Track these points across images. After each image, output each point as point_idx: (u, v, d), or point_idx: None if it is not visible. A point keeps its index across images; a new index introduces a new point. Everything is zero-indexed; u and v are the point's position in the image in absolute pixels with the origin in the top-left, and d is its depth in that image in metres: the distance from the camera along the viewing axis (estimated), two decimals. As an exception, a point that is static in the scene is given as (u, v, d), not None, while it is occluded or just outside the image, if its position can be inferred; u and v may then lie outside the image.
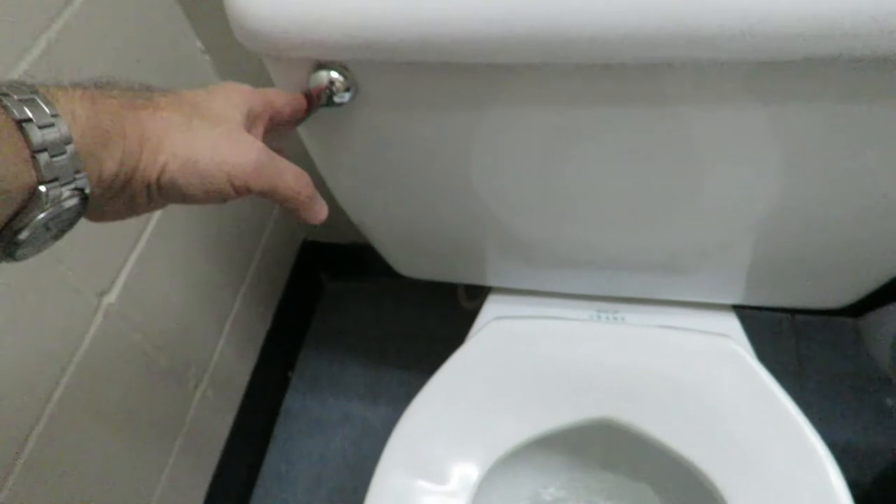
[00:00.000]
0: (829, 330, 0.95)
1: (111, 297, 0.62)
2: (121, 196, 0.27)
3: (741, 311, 0.60)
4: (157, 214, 0.67)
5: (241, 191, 0.30)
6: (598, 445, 0.55)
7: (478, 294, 0.71)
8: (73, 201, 0.23)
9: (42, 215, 0.22)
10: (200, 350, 0.78)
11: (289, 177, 0.31)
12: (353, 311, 1.07)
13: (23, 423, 0.54)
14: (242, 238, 0.85)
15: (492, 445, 0.51)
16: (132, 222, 0.64)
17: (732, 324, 0.56)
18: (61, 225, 0.24)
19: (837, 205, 0.44)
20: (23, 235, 0.23)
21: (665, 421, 0.50)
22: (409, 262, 0.60)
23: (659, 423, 0.50)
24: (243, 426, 0.89)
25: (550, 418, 0.52)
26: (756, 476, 0.48)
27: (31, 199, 0.22)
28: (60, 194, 0.23)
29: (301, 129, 0.48)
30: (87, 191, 0.24)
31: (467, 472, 0.50)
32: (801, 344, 0.94)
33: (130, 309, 0.64)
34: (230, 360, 0.85)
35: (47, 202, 0.22)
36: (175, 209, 0.69)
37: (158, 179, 0.27)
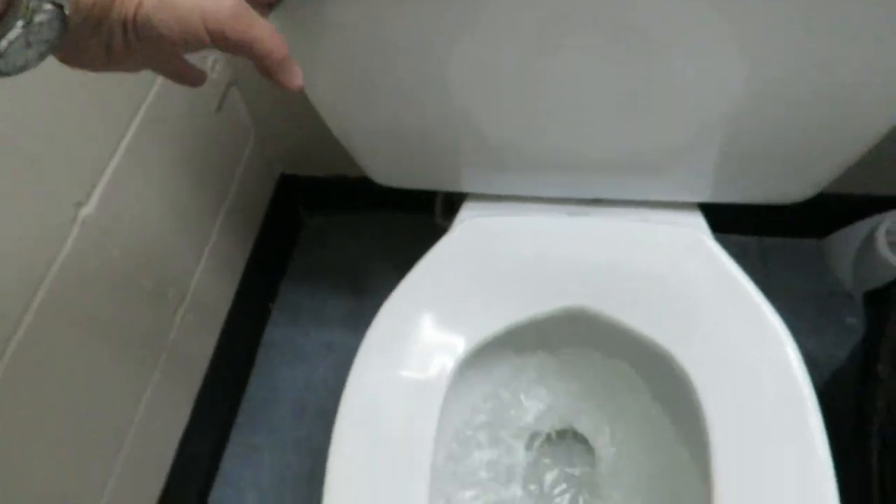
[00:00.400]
0: (795, 252, 0.98)
1: (88, 209, 0.62)
2: (98, 32, 0.28)
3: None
4: (132, 129, 0.67)
5: (217, 37, 0.30)
6: (572, 336, 0.57)
7: (453, 213, 0.72)
8: (53, 17, 0.24)
9: (20, 24, 0.23)
10: (180, 274, 0.79)
11: (265, 32, 0.32)
12: (333, 244, 1.08)
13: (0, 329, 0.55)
14: (218, 164, 0.85)
15: (467, 336, 0.53)
16: (107, 131, 0.64)
17: (698, 221, 0.58)
18: (42, 45, 0.25)
19: (797, 91, 0.46)
20: (2, 44, 0.23)
21: (635, 308, 0.53)
22: (385, 168, 0.61)
23: (629, 310, 0.53)
24: (225, 353, 0.90)
25: (525, 309, 0.53)
26: (721, 359, 0.51)
27: (10, 7, 0.23)
28: (40, 5, 0.23)
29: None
30: (67, 10, 0.24)
31: (443, 362, 0.52)
32: (768, 265, 0.97)
33: (108, 223, 0.65)
34: (210, 287, 0.85)
35: (27, 10, 0.23)
36: (149, 122, 0.69)
37: (135, 16, 0.28)
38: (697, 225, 0.57)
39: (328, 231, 1.09)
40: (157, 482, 0.79)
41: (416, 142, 0.56)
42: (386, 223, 1.04)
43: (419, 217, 0.91)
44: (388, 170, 0.61)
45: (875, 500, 0.49)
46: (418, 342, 0.53)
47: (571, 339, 0.57)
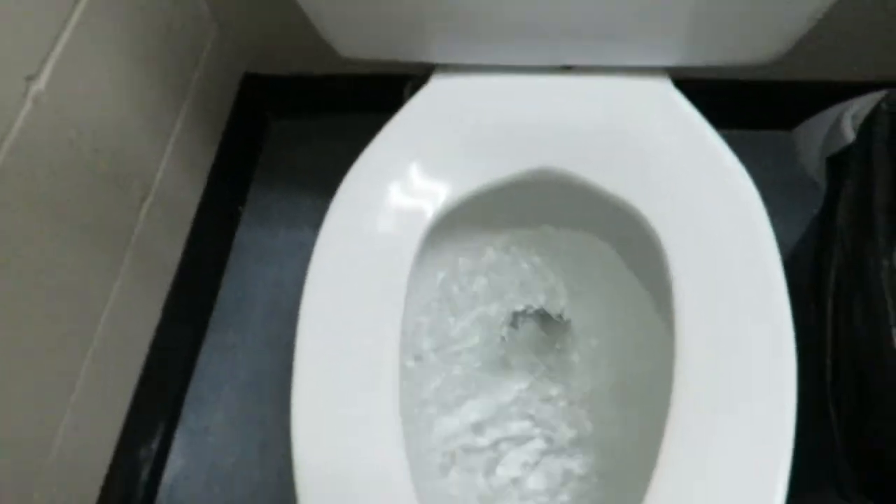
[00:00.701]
0: (764, 143, 0.99)
1: (40, 85, 0.59)
2: None
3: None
4: (82, 3, 0.64)
5: None
6: (541, 200, 0.57)
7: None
8: None
9: None
10: (143, 164, 0.77)
11: None
12: (301, 146, 1.06)
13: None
14: (178, 55, 0.82)
15: (434, 200, 0.53)
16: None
17: (668, 85, 0.58)
18: None
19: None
20: None
21: (603, 168, 0.53)
22: (349, 37, 0.59)
23: (597, 170, 0.52)
24: (195, 254, 0.89)
25: (491, 170, 0.53)
26: (689, 215, 0.51)
27: None
28: None
29: None
30: None
31: (412, 224, 0.52)
32: (738, 156, 0.98)
33: (62, 102, 0.62)
34: (175, 185, 0.84)
35: None
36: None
37: None
38: (667, 87, 0.57)
39: (295, 134, 1.07)
40: (131, 377, 0.80)
41: (381, 3, 0.54)
42: (354, 124, 1.02)
43: (388, 117, 0.90)
44: (352, 37, 0.59)
45: (828, 352, 0.51)
46: (382, 210, 0.53)
47: (540, 207, 0.58)
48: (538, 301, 0.63)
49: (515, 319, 0.65)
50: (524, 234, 0.60)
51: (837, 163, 0.57)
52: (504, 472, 0.57)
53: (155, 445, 0.84)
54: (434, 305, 0.60)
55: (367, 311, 0.50)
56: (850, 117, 0.89)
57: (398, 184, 0.53)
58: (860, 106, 0.88)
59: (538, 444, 0.58)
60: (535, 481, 0.57)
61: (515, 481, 0.58)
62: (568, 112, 0.55)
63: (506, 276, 0.62)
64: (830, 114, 0.93)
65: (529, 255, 0.61)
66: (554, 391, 0.63)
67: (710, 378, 0.46)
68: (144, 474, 0.82)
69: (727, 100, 0.84)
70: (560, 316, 0.65)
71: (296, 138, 1.07)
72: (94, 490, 0.74)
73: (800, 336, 0.47)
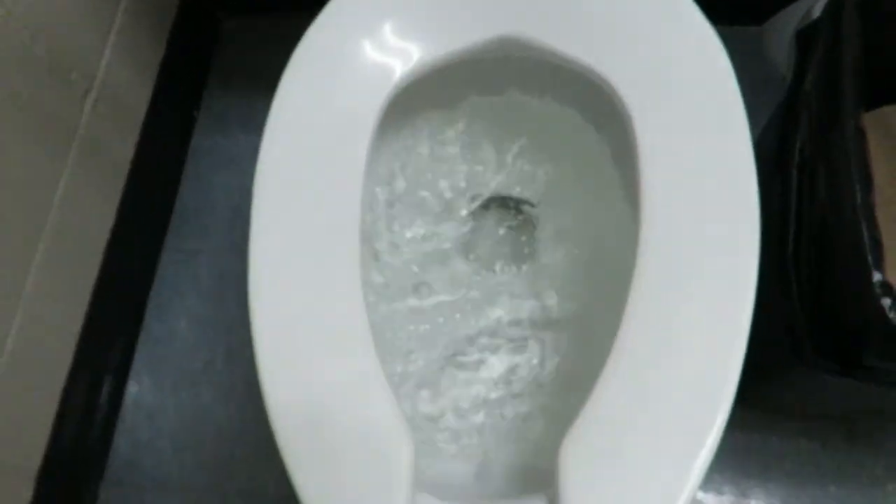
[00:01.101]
0: (733, 39, 0.96)
1: (-42, -48, 0.54)
2: None
3: None
4: None
5: None
6: (503, 74, 0.55)
7: None
8: None
9: None
10: (83, 54, 0.72)
11: None
12: (254, 49, 1.01)
13: None
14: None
15: (398, 65, 0.50)
16: None
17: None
18: None
19: None
20: None
21: (571, 34, 0.50)
22: None
23: (564, 36, 0.50)
24: (149, 158, 0.85)
25: (450, 40, 0.51)
26: (658, 84, 0.49)
27: None
28: None
29: None
30: None
31: (367, 101, 0.50)
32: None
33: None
34: (122, 80, 0.79)
35: None
36: None
37: None
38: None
39: (248, 35, 1.01)
40: (86, 282, 0.77)
41: None
42: (310, 22, 0.97)
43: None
44: None
45: (791, 221, 0.51)
46: (343, 73, 0.50)
47: (505, 76, 0.55)
48: (502, 185, 0.62)
49: (479, 206, 0.64)
50: (487, 105, 0.58)
51: (806, 37, 0.55)
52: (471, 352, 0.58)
53: (117, 352, 0.83)
54: (390, 188, 0.59)
55: (325, 199, 0.48)
56: (820, 7, 0.87)
57: (346, 66, 0.50)
58: (830, -3, 0.87)
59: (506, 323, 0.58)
60: (498, 362, 0.58)
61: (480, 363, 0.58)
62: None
63: (468, 155, 0.60)
64: (800, 6, 0.91)
65: (492, 132, 0.60)
66: (520, 283, 0.62)
67: (673, 245, 0.46)
68: (108, 381, 0.81)
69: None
70: (526, 203, 0.64)
71: (249, 39, 1.01)
72: (53, 401, 0.73)
73: (763, 208, 0.46)
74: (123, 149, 0.82)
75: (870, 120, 0.48)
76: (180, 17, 0.91)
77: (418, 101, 0.54)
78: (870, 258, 0.41)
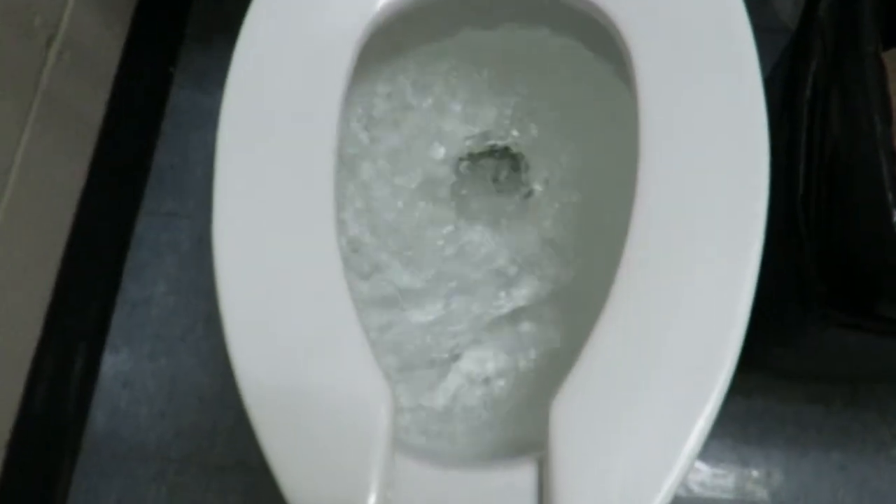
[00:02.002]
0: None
1: None
2: None
3: None
4: None
5: None
6: (497, 6, 0.51)
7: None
8: None
9: None
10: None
11: None
12: (232, 5, 0.96)
13: None
14: None
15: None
16: None
17: None
18: None
19: None
20: None
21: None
22: None
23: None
24: (122, 115, 0.81)
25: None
26: (663, 18, 0.45)
27: None
28: None
29: None
30: None
31: (344, 32, 0.46)
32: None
33: None
34: (89, 29, 0.74)
35: None
36: None
37: None
38: None
39: (228, -13, 0.97)
40: (56, 242, 0.73)
41: None
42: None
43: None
44: None
45: (801, 162, 0.47)
46: (313, 9, 0.46)
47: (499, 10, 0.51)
48: (492, 130, 0.58)
49: (468, 158, 0.61)
50: (480, 39, 0.53)
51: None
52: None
53: (92, 318, 0.79)
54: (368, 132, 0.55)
55: (295, 139, 0.44)
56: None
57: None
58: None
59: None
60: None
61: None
62: None
63: (459, 96, 0.56)
64: (807, -48, 0.87)
65: (482, 69, 0.56)
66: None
67: (674, 187, 0.42)
68: (82, 348, 0.78)
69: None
70: (519, 154, 0.61)
71: (228, -7, 0.96)
72: (22, 369, 0.70)
73: (771, 148, 0.43)
74: (93, 104, 0.78)
75: (889, 57, 0.44)
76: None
77: (402, 34, 0.50)
78: (890, 196, 0.37)
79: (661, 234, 0.41)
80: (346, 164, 0.55)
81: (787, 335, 0.52)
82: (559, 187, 0.59)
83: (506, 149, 0.60)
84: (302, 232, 0.42)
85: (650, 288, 0.40)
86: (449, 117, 0.58)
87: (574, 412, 0.38)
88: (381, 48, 0.49)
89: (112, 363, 0.80)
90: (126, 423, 0.78)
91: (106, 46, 0.79)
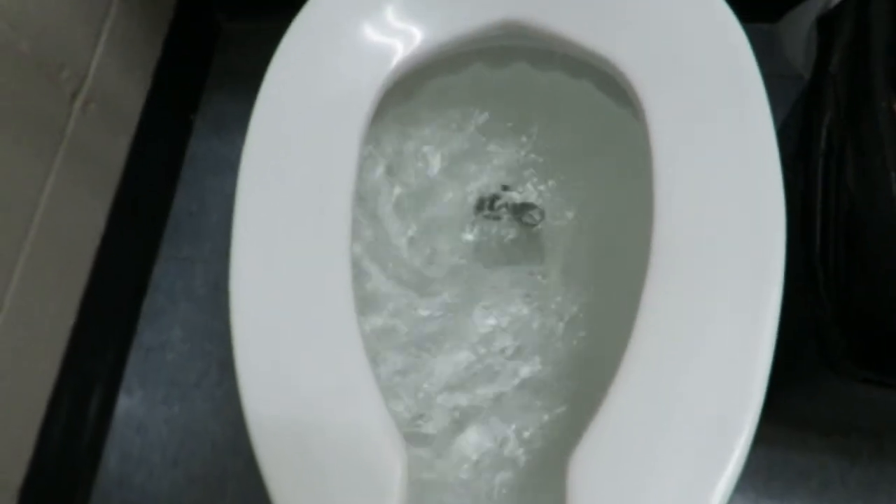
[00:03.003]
0: (748, 37, 0.94)
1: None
2: None
3: None
4: None
5: None
6: (511, 51, 0.52)
7: None
8: None
9: None
10: (73, 52, 0.69)
11: None
12: (256, 52, 0.98)
13: None
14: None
15: (391, 54, 0.47)
16: None
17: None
18: None
19: None
20: None
21: (579, 17, 0.47)
22: None
23: (571, 19, 0.47)
24: (143, 161, 0.83)
25: (453, 23, 0.47)
26: (676, 72, 0.46)
27: None
28: None
29: None
30: None
31: (364, 85, 0.47)
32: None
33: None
34: (116, 78, 0.77)
35: None
36: None
37: None
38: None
39: (250, 38, 0.99)
40: (75, 288, 0.74)
41: None
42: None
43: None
44: None
45: (817, 215, 0.47)
46: (340, 52, 0.47)
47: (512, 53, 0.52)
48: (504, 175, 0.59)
49: (483, 207, 0.61)
50: (493, 79, 0.54)
51: (829, 23, 0.52)
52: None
53: (108, 362, 0.80)
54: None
55: (313, 190, 0.45)
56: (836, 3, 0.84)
57: (347, 44, 0.48)
58: (848, -9, 0.83)
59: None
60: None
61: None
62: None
63: (468, 140, 0.57)
64: (817, 1, 0.88)
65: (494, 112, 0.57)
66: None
67: (690, 240, 0.42)
68: (97, 392, 0.78)
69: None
70: (536, 209, 0.61)
71: (250, 42, 0.99)
72: (38, 412, 0.70)
73: (786, 201, 0.43)
74: (116, 152, 0.79)
75: (900, 107, 0.44)
76: (178, 17, 0.89)
77: (416, 83, 0.51)
78: (909, 252, 0.37)
79: (678, 289, 0.41)
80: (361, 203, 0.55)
81: (809, 388, 0.51)
82: (571, 235, 0.59)
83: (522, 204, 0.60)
84: (317, 281, 0.43)
85: (668, 344, 0.40)
86: (459, 162, 0.59)
87: (593, 469, 0.38)
88: (395, 95, 0.50)
89: (126, 408, 0.80)
90: (139, 468, 0.77)
91: (129, 96, 0.81)
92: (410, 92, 0.52)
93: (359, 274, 0.53)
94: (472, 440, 0.50)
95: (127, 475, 0.78)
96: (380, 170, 0.57)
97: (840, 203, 0.43)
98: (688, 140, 0.44)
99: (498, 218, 0.61)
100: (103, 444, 0.78)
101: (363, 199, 0.55)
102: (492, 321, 0.57)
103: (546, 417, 0.51)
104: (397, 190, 0.59)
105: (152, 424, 0.79)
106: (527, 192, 0.59)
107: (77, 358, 0.74)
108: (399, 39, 0.47)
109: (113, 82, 0.76)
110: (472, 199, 0.61)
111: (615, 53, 0.46)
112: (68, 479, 0.74)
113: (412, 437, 0.50)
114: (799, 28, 0.88)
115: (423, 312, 0.56)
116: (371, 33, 0.48)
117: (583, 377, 0.52)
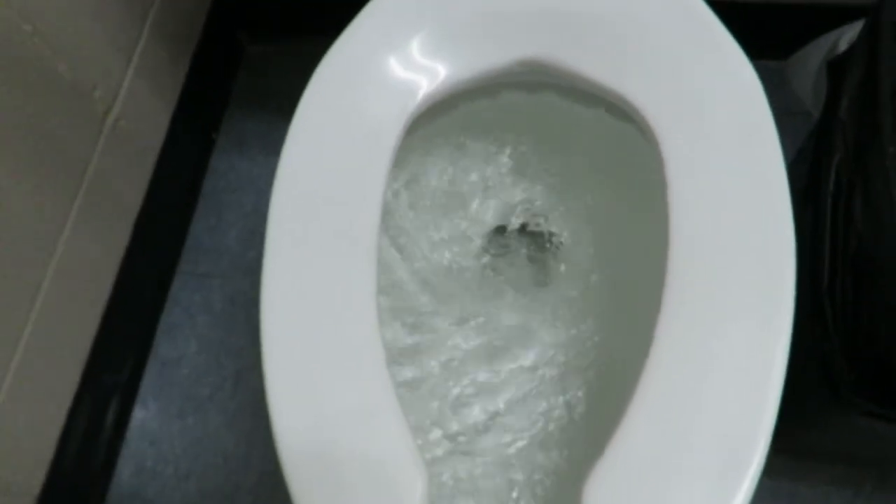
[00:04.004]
0: (758, 73, 0.96)
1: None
2: None
3: None
4: None
5: None
6: (528, 104, 0.54)
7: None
8: None
9: None
10: (106, 71, 0.72)
11: None
12: (278, 72, 1.01)
13: None
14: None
15: (416, 90, 0.49)
16: None
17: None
18: None
19: None
20: None
21: (599, 57, 0.49)
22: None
23: (591, 59, 0.49)
24: (167, 178, 0.85)
25: (476, 60, 0.50)
26: (691, 112, 0.48)
27: None
28: None
29: None
30: None
31: (390, 119, 0.49)
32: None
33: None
34: (144, 97, 0.79)
35: None
36: None
37: None
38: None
39: (272, 59, 1.02)
40: (97, 302, 0.76)
41: None
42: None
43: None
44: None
45: (825, 253, 0.49)
46: (367, 88, 0.49)
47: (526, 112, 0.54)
48: (523, 212, 0.61)
49: (496, 238, 0.62)
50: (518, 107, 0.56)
51: (838, 66, 0.54)
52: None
53: (125, 375, 0.81)
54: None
55: (342, 218, 0.47)
56: (846, 43, 0.86)
57: (373, 79, 0.50)
58: (855, 31, 0.86)
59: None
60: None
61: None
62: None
63: (490, 169, 0.59)
64: (825, 41, 0.90)
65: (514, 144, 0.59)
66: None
67: (703, 276, 0.44)
68: (114, 405, 0.79)
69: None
70: (550, 235, 0.62)
71: (272, 63, 1.02)
72: (58, 422, 0.71)
73: (796, 238, 0.44)
74: (141, 169, 0.82)
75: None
76: (204, 40, 0.92)
77: (440, 114, 0.53)
78: (914, 292, 0.38)
79: (692, 321, 0.42)
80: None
81: (815, 419, 0.52)
82: (586, 266, 0.60)
83: (536, 229, 0.62)
84: (344, 306, 0.44)
85: (680, 377, 0.41)
86: (478, 193, 0.61)
87: (607, 496, 0.39)
88: (420, 125, 0.52)
89: (141, 421, 0.81)
90: (152, 481, 0.78)
91: (156, 115, 0.84)
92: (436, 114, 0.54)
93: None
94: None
95: (140, 488, 0.79)
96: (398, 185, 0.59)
97: (848, 240, 0.45)
98: (701, 175, 0.46)
99: (508, 246, 0.63)
100: (118, 455, 0.80)
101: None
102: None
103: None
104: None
105: (166, 437, 0.81)
106: (542, 218, 0.61)
107: (97, 370, 0.75)
108: (424, 75, 0.50)
109: (141, 101, 0.79)
110: (488, 222, 0.63)
111: (631, 91, 0.48)
112: (83, 490, 0.76)
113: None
114: (807, 67, 0.91)
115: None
116: (398, 69, 0.50)
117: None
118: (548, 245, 0.61)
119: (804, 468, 0.74)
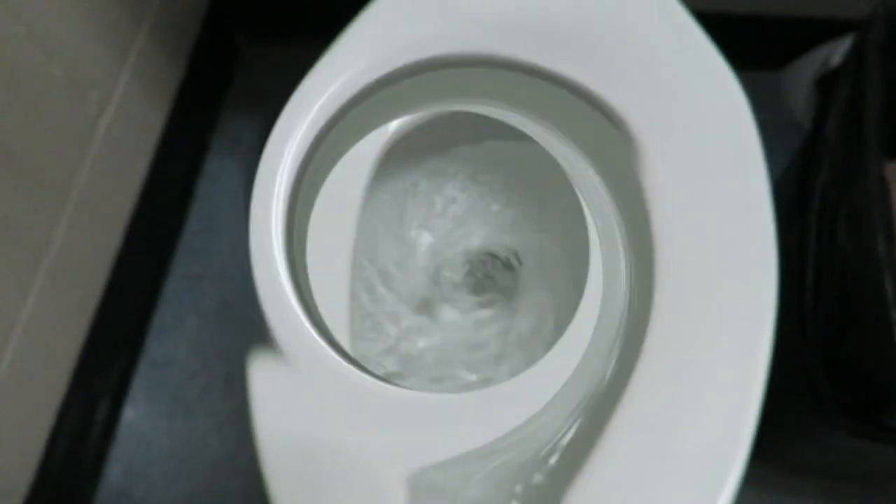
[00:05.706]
0: (753, 84, 0.96)
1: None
2: None
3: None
4: None
5: None
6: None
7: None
8: None
9: None
10: (101, 72, 0.72)
11: None
12: (274, 75, 1.01)
13: None
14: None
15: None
16: None
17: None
18: None
19: None
20: None
21: (565, 56, 0.49)
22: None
23: (556, 57, 0.49)
24: (160, 180, 0.85)
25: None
26: (673, 125, 0.48)
27: None
28: None
29: None
30: None
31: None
32: (724, 98, 0.95)
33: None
34: (139, 99, 0.79)
35: None
36: None
37: None
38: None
39: (269, 63, 1.02)
40: (88, 303, 0.76)
41: None
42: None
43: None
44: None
45: (809, 271, 0.49)
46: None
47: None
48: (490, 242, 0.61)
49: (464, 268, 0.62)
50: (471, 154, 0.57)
51: (827, 83, 0.54)
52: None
53: (115, 376, 0.82)
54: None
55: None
56: (839, 56, 0.86)
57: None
58: (847, 45, 0.86)
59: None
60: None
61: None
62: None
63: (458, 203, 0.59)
64: (818, 54, 0.91)
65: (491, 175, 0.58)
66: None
67: (685, 292, 0.44)
68: (103, 406, 0.80)
69: (712, 37, 0.81)
70: (512, 260, 0.62)
71: (269, 67, 1.02)
72: (47, 421, 0.71)
73: (780, 254, 0.45)
74: (135, 170, 0.82)
75: (892, 169, 0.46)
76: (200, 42, 0.92)
77: (412, 151, 0.53)
78: (893, 314, 0.38)
79: (673, 339, 0.43)
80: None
81: (801, 435, 0.53)
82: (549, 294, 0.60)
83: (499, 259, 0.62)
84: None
85: (660, 392, 0.42)
86: (447, 225, 0.61)
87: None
88: (396, 160, 0.52)
89: (131, 422, 0.82)
90: (140, 483, 0.79)
91: (151, 116, 0.84)
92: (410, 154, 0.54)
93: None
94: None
95: (128, 488, 0.79)
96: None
97: (833, 257, 0.45)
98: (684, 186, 0.46)
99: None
100: (106, 456, 0.80)
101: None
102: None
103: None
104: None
105: (155, 439, 0.81)
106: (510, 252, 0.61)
107: (87, 371, 0.75)
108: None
109: (136, 103, 0.79)
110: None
111: (615, 99, 0.48)
112: (72, 491, 0.76)
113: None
114: (800, 80, 0.91)
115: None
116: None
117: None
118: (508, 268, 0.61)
119: (790, 480, 0.74)
